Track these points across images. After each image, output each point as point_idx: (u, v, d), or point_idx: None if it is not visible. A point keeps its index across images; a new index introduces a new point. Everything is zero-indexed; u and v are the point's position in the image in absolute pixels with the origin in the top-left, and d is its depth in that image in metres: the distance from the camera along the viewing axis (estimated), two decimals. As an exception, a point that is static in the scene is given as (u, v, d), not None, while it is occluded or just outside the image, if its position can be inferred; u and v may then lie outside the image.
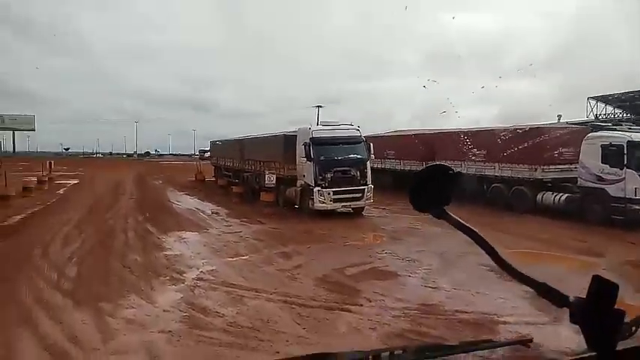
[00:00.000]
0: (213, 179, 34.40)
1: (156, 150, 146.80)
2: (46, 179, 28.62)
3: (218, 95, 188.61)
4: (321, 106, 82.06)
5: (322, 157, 16.52)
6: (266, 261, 10.25)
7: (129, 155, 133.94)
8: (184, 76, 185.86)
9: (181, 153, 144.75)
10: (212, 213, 18.20)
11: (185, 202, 22.27)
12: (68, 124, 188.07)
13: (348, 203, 16.80)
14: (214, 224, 15.49)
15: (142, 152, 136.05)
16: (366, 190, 16.82)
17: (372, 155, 17.37)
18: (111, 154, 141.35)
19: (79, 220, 15.97)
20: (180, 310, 7.04)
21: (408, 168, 24.75)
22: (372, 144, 17.43)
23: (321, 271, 9.15)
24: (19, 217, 16.54)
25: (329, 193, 16.35)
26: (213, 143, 36.59)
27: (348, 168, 16.73)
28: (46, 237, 12.71)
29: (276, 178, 19.41)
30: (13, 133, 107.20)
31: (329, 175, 16.45)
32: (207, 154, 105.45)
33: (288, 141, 19.13)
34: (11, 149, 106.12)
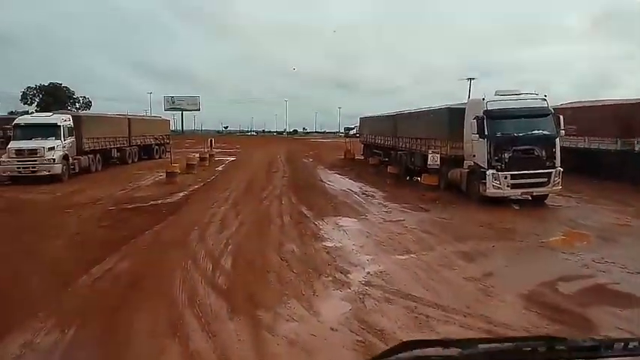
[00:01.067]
0: (362, 157, 33.29)
1: (304, 128, 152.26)
2: (207, 156, 29.97)
3: (361, 72, 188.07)
4: (473, 79, 76.76)
5: (499, 134, 13.88)
6: (444, 263, 8.32)
7: (279, 133, 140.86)
8: (330, 54, 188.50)
9: (327, 130, 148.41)
10: (367, 195, 16.73)
11: (337, 182, 21.22)
12: (227, 104, 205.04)
13: (530, 189, 13.94)
14: (372, 209, 13.95)
15: (291, 130, 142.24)
16: (553, 173, 13.79)
17: (563, 131, 14.17)
18: (264, 131, 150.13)
19: (235, 199, 15.72)
20: (352, 331, 5.51)
21: (595, 146, 20.63)
22: (561, 116, 14.23)
23: (522, 285, 6.95)
24: (181, 194, 16.91)
25: (506, 177, 13.70)
26: (362, 120, 35.24)
27: (531, 146, 13.84)
28: (204, 218, 12.40)
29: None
30: (182, 113, 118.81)
31: (506, 155, 13.78)
32: (353, 132, 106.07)
33: (452, 115, 16.72)
34: (180, 128, 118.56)
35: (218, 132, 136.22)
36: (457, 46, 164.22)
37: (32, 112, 26.07)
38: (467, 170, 15.27)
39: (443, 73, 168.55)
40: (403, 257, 8.70)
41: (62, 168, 20.10)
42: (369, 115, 33.76)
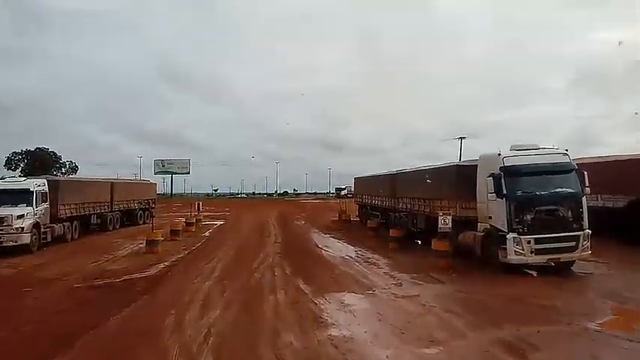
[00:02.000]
0: (358, 219, 31.70)
1: (294, 189, 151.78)
2: (194, 221, 28.17)
3: (349, 133, 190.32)
4: (464, 137, 76.90)
5: (519, 192, 12.41)
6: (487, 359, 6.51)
7: (269, 195, 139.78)
8: (318, 116, 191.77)
9: (318, 191, 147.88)
10: (370, 264, 14.97)
11: (334, 247, 19.45)
12: (217, 167, 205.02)
13: (556, 255, 12.27)
14: (379, 281, 12.16)
15: (281, 192, 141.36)
16: (582, 236, 12.23)
17: (588, 188, 12.74)
18: (253, 193, 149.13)
19: (222, 271, 13.87)
20: None
21: (610, 204, 19.24)
22: (586, 172, 12.85)
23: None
24: (162, 265, 15.05)
25: (529, 242, 12.08)
26: (357, 180, 33.96)
27: (555, 206, 12.35)
28: (183, 296, 10.54)
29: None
30: (172, 176, 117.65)
31: (529, 217, 12.22)
32: (344, 192, 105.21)
33: (461, 173, 15.39)
34: (169, 191, 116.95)
35: (207, 195, 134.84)
36: (441, 108, 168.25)
37: (5, 178, 24.23)
38: (482, 234, 13.67)
39: (428, 135, 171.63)
40: (432, 351, 6.87)
41: (31, 238, 18.16)
42: (364, 175, 32.54)
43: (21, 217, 17.96)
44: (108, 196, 27.54)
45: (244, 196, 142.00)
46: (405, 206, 21.70)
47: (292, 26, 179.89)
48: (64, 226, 21.78)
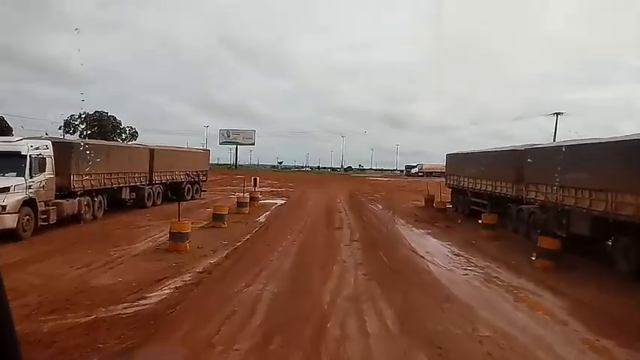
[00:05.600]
0: (451, 206, 24.97)
1: (359, 165, 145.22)
2: (248, 200, 22.68)
3: (417, 109, 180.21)
4: (560, 113, 66.14)
5: None
6: None
7: (333, 169, 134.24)
8: (385, 91, 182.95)
9: (383, 168, 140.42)
10: (517, 300, 8.53)
11: (441, 255, 13.01)
12: (282, 139, 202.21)
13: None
14: (565, 348, 5.75)
15: (345, 166, 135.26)
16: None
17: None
18: (318, 167, 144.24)
19: (271, 306, 7.94)
20: None
21: None
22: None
23: None
24: (178, 281, 9.39)
25: None
26: (451, 157, 26.96)
27: None
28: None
29: None
30: (236, 147, 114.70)
31: None
32: (415, 171, 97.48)
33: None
34: (234, 162, 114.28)
35: (273, 167, 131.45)
36: (515, 85, 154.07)
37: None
38: None
39: (503, 113, 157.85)
40: None
41: (19, 220, 13.17)
42: (462, 151, 25.54)
43: (4, 190, 12.99)
44: (146, 165, 22.56)
45: (309, 169, 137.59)
46: (543, 198, 14.84)
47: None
48: (79, 202, 16.86)
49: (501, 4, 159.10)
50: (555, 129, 63.21)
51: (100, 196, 18.58)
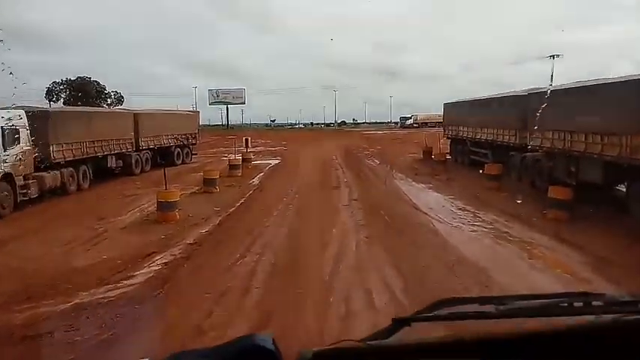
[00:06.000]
0: (450, 157, 24.29)
1: (353, 119, 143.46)
2: (240, 162, 21.85)
3: (408, 59, 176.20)
4: (557, 55, 64.28)
5: None
6: None
7: (327, 125, 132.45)
8: (376, 42, 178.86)
9: (378, 121, 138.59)
10: (532, 257, 7.92)
11: (446, 211, 12.33)
12: (274, 97, 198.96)
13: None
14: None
15: (339, 121, 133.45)
16: None
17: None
18: (312, 124, 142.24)
19: (267, 281, 7.29)
20: None
21: None
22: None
23: None
24: (168, 254, 8.72)
25: None
26: (448, 107, 25.99)
27: None
28: None
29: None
30: (227, 107, 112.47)
31: None
32: (409, 122, 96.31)
33: None
34: (226, 122, 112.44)
35: (266, 125, 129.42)
36: (506, 30, 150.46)
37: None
38: None
39: (492, 59, 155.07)
40: None
41: (-7, 196, 12.37)
42: (462, 99, 24.56)
43: (-26, 166, 12.13)
44: (131, 131, 21.53)
45: (302, 126, 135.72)
46: (550, 145, 14.08)
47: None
48: (62, 173, 15.99)
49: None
50: (552, 72, 61.77)
51: (84, 166, 17.70)
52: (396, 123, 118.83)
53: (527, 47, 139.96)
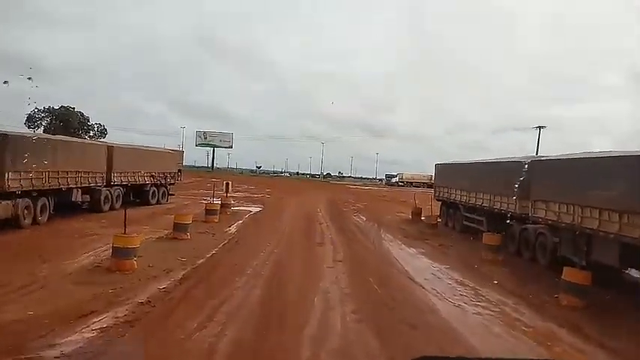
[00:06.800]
0: (440, 220, 23.05)
1: (339, 172, 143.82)
2: (218, 208, 20.28)
3: (394, 119, 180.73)
4: (543, 127, 65.22)
5: None
6: None
7: (312, 175, 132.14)
8: (364, 98, 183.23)
9: (362, 176, 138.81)
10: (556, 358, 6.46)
11: (443, 285, 10.85)
12: (261, 143, 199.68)
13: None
14: None
15: (325, 173, 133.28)
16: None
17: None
18: (297, 173, 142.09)
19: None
20: None
21: None
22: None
23: None
24: (104, 319, 7.03)
25: None
26: (440, 168, 25.04)
27: None
28: None
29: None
30: (213, 149, 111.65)
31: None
32: (395, 180, 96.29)
33: None
34: (211, 164, 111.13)
35: (252, 172, 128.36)
36: (491, 99, 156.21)
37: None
38: None
39: (475, 126, 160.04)
40: None
41: None
42: (457, 161, 23.64)
43: None
44: (103, 164, 19.98)
45: (288, 175, 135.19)
46: (555, 218, 12.89)
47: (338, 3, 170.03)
48: (16, 204, 14.31)
49: (477, 19, 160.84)
50: (538, 142, 62.42)
51: (43, 198, 16.02)
52: (381, 180, 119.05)
53: (508, 117, 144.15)
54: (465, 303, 9.23)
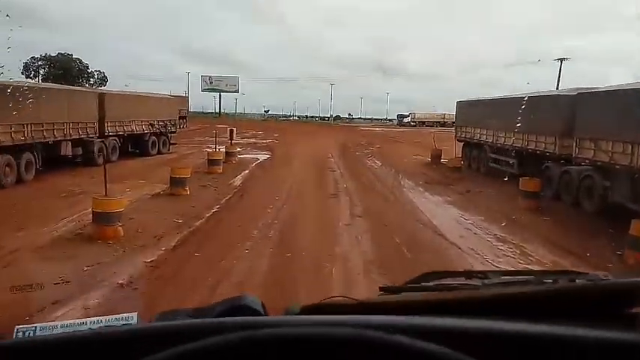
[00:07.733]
0: (463, 163, 21.34)
1: (349, 114, 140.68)
2: (222, 157, 18.72)
3: (406, 57, 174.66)
4: (565, 59, 61.53)
5: None
6: None
7: (322, 118, 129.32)
8: (374, 38, 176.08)
9: (373, 117, 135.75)
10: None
11: (482, 243, 9.29)
12: (269, 87, 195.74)
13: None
14: None
15: (334, 116, 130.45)
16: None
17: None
18: (306, 117, 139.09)
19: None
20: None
21: None
22: None
23: None
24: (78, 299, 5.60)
25: None
26: (462, 106, 22.96)
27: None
28: None
29: None
30: (220, 94, 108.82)
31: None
32: (407, 120, 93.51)
33: None
34: (217, 110, 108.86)
35: (262, 116, 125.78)
36: (503, 33, 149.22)
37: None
38: None
39: (488, 62, 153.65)
40: None
41: None
42: (481, 98, 21.50)
43: None
44: (94, 114, 18.29)
45: (296, 118, 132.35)
46: (607, 158, 11.12)
47: None
48: (-6, 162, 12.82)
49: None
50: (559, 76, 58.95)
51: (28, 153, 14.52)
52: (391, 120, 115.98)
53: (523, 51, 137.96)
54: (512, 265, 7.70)
